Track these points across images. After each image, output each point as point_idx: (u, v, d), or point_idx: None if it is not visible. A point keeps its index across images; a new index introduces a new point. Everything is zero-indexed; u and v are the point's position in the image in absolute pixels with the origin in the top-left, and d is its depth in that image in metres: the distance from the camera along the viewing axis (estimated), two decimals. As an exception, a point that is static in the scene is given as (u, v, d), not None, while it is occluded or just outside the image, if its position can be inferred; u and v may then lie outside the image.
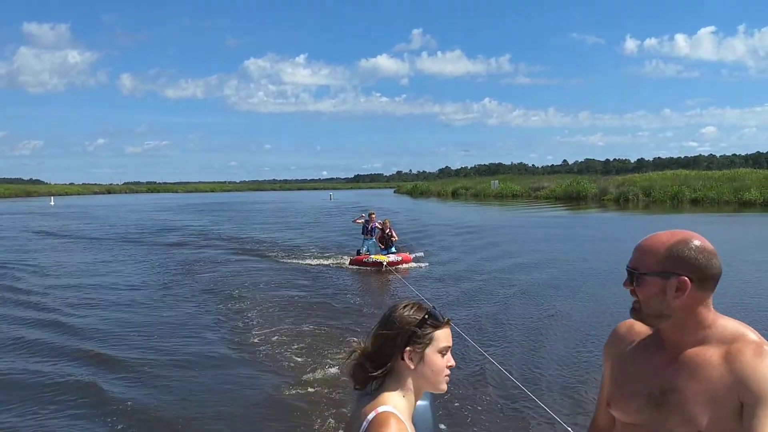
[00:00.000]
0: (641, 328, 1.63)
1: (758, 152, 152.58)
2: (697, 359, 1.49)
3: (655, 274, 1.50)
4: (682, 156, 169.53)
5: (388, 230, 15.81)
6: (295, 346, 7.88)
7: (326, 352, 7.57)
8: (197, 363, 7.31)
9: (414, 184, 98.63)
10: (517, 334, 8.47)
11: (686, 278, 1.48)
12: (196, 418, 5.66)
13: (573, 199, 51.15)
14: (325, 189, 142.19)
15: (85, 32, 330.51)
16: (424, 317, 1.61)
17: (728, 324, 1.52)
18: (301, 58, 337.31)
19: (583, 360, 7.24)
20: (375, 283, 13.14)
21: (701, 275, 1.48)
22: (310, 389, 6.34)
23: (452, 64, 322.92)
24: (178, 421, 5.59)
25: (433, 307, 1.66)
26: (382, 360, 1.58)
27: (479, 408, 5.80)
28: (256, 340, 8.27)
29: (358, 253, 15.71)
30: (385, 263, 14.54)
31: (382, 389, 1.58)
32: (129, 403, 6.03)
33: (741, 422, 1.40)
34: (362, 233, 16.17)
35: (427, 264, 15.20)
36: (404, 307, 1.64)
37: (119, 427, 5.52)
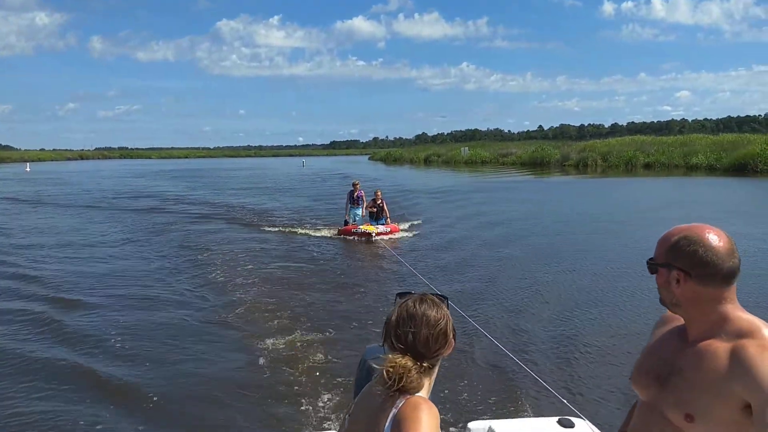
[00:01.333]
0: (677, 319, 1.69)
1: (729, 116, 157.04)
2: (706, 349, 1.53)
3: (661, 265, 1.60)
4: (656, 120, 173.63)
5: (380, 201, 15.71)
6: (281, 320, 7.73)
7: (317, 326, 7.45)
8: (176, 337, 7.19)
9: (387, 152, 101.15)
10: (503, 301, 8.67)
11: (682, 272, 1.56)
12: (174, 393, 5.57)
13: (537, 165, 53.87)
14: (300, 156, 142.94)
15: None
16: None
17: (744, 319, 1.54)
18: (274, 20, 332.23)
19: (565, 322, 7.60)
20: (364, 254, 13.08)
21: (700, 271, 1.54)
22: (293, 367, 6.15)
23: (430, 26, 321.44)
24: (157, 396, 5.51)
25: (443, 296, 1.70)
26: (434, 359, 1.60)
27: (471, 375, 5.89)
28: (240, 310, 8.20)
29: (346, 223, 15.60)
30: (374, 234, 14.57)
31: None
32: (109, 379, 5.93)
33: (732, 413, 1.45)
34: (349, 202, 15.98)
35: (416, 233, 15.36)
36: (430, 302, 1.64)
37: (101, 405, 5.38)
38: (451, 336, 1.64)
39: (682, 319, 1.66)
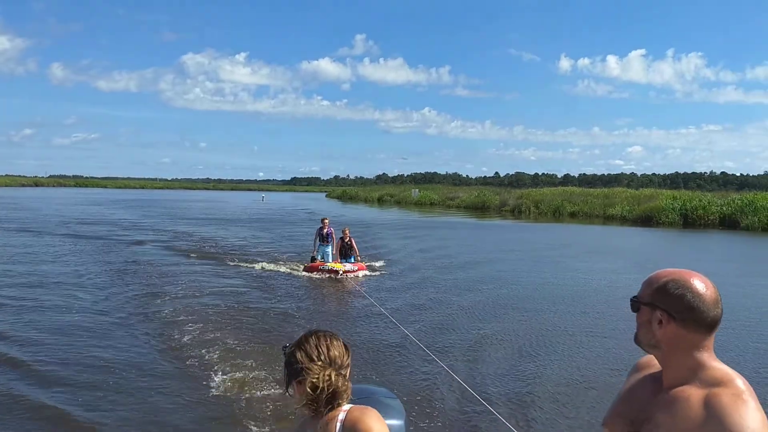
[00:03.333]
0: (657, 362, 1.70)
1: (676, 172, 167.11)
2: (679, 396, 1.55)
3: (646, 304, 1.63)
4: (606, 173, 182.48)
5: (348, 239, 15.61)
6: (237, 358, 7.69)
7: (268, 363, 7.44)
8: (122, 370, 7.12)
9: (343, 190, 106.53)
10: (462, 338, 9.10)
11: (666, 313, 1.58)
12: (114, 427, 5.57)
13: (479, 209, 58.65)
14: (259, 190, 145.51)
15: (14, 19, 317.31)
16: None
17: (719, 369, 1.56)
18: (241, 56, 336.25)
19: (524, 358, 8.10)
20: (331, 292, 13.20)
21: (685, 315, 1.56)
22: (244, 403, 6.20)
23: (394, 71, 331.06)
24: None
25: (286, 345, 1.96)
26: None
27: (432, 413, 6.04)
28: (192, 347, 8.09)
29: (313, 260, 15.45)
30: (341, 271, 14.58)
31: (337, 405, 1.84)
32: (52, 411, 5.92)
33: None
34: (317, 239, 15.91)
35: (383, 273, 15.52)
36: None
37: None
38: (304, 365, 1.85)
39: (657, 367, 1.70)
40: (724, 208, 37.23)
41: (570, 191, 56.47)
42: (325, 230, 15.91)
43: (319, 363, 1.82)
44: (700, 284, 1.59)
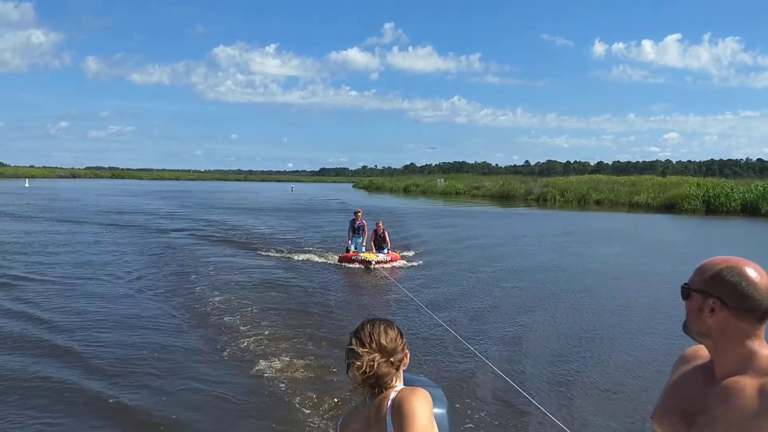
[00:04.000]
0: (704, 353, 1.69)
1: (711, 159, 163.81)
2: (733, 386, 1.53)
3: (698, 292, 1.60)
4: (641, 161, 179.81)
5: (381, 231, 15.87)
6: (280, 345, 7.90)
7: (311, 351, 7.65)
8: (173, 359, 7.28)
9: (370, 180, 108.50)
10: (498, 327, 9.13)
11: (719, 301, 1.56)
12: (173, 415, 5.67)
13: (504, 198, 59.47)
14: (289, 181, 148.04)
15: (50, 13, 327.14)
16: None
17: None
18: (271, 48, 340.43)
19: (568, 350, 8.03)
20: (364, 283, 13.41)
21: (738, 303, 1.54)
22: (292, 388, 6.36)
23: (423, 60, 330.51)
24: (157, 418, 5.61)
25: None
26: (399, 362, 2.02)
27: (473, 404, 6.07)
28: (240, 340, 8.14)
29: (347, 250, 15.76)
30: (373, 261, 14.78)
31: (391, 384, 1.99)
32: (110, 400, 5.99)
33: None
34: (351, 231, 16.20)
35: (416, 263, 15.69)
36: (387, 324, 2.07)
37: (98, 425, 5.47)
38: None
39: (704, 358, 1.69)
40: (747, 195, 37.48)
41: (596, 179, 56.84)
42: (358, 222, 16.17)
43: (367, 349, 1.95)
44: (754, 272, 1.57)
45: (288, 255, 16.49)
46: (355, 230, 16.15)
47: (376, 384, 1.96)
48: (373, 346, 1.98)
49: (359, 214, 16.49)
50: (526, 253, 18.28)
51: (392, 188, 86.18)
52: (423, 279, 13.55)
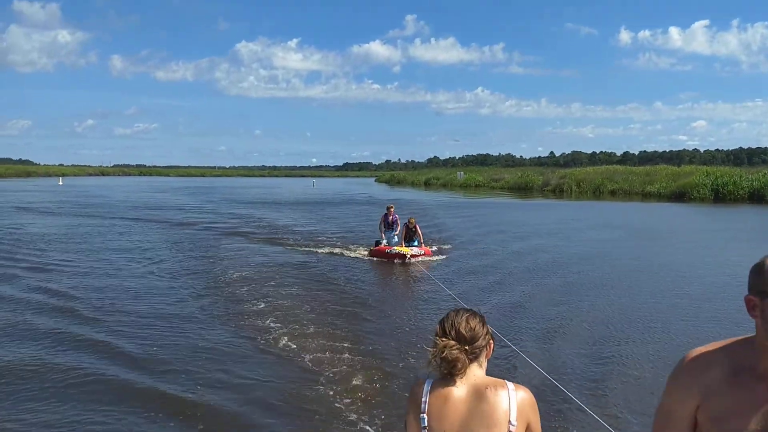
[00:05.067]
0: (721, 357, 1.57)
1: (740, 147, 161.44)
2: None
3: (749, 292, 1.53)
4: (668, 150, 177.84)
5: (413, 226, 16.13)
6: (319, 341, 7.98)
7: (350, 348, 7.70)
8: (216, 354, 7.44)
9: (391, 174, 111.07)
10: (535, 322, 9.07)
11: (751, 297, 1.50)
12: (216, 409, 5.77)
13: (522, 189, 61.07)
14: (312, 176, 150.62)
15: (75, 12, 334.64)
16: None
17: None
18: (293, 43, 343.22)
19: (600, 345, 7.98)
20: (402, 277, 13.64)
21: None
22: (336, 387, 6.35)
23: (445, 51, 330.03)
24: (204, 410, 5.72)
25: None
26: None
27: None
28: (277, 336, 8.26)
29: (378, 243, 15.94)
30: (408, 255, 14.91)
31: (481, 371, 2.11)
32: (155, 394, 6.13)
33: None
34: (383, 225, 16.40)
35: (448, 256, 16.00)
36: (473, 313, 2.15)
37: (151, 415, 5.61)
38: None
39: (725, 362, 1.56)
40: (755, 183, 38.48)
41: (612, 170, 57.97)
42: (391, 217, 16.36)
43: (444, 337, 2.06)
44: None
45: (316, 249, 16.96)
46: (388, 225, 16.30)
47: (448, 369, 2.05)
48: (452, 333, 2.08)
49: (392, 209, 16.62)
50: (550, 244, 18.81)
51: (413, 182, 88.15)
52: (454, 271, 13.67)
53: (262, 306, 10.08)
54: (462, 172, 79.84)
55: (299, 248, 17.27)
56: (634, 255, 16.58)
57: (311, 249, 17.00)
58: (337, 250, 16.68)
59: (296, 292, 11.18)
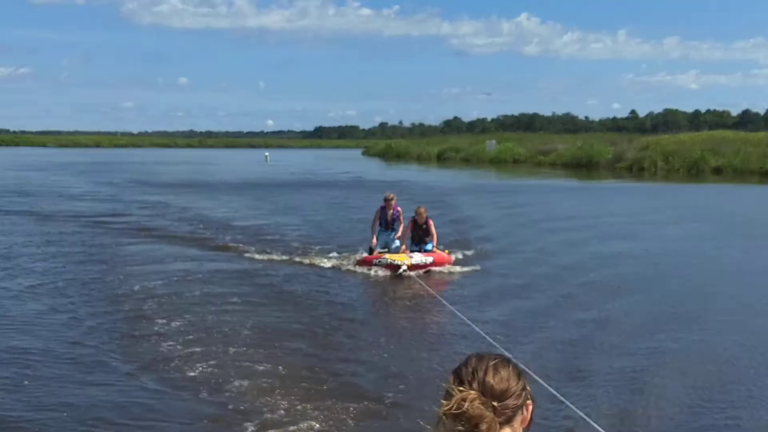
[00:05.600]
0: None
1: None
2: None
3: None
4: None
5: (423, 221, 16.50)
6: (254, 374, 8.98)
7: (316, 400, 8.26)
8: (108, 403, 8.24)
9: (387, 144, 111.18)
10: (605, 369, 9.55)
11: None
12: None
13: (583, 166, 62.86)
14: (267, 147, 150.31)
15: None
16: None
17: None
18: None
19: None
20: (394, 296, 14.30)
21: None
22: None
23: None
24: None
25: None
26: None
27: None
28: (194, 366, 9.26)
29: (371, 251, 16.43)
30: (404, 265, 15.42)
31: None
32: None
33: None
34: (378, 224, 16.97)
35: (476, 267, 16.43)
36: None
37: None
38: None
39: None
40: None
41: (719, 137, 59.54)
42: (391, 212, 16.84)
43: (463, 387, 2.21)
44: None
45: (265, 253, 17.78)
46: (387, 223, 16.88)
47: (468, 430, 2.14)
48: (474, 385, 2.21)
49: (392, 200, 16.92)
50: (621, 250, 19.64)
51: (420, 155, 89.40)
52: (480, 292, 14.11)
53: (178, 325, 11.13)
54: (494, 141, 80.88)
55: (241, 252, 18.18)
56: (757, 268, 17.31)
57: (258, 254, 17.81)
58: (298, 259, 17.31)
59: (231, 310, 12.14)
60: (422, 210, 16.55)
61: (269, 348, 10.21)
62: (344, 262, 16.65)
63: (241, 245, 19.41)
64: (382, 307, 13.96)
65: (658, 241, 21.35)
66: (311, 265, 16.72)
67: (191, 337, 10.63)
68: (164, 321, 11.44)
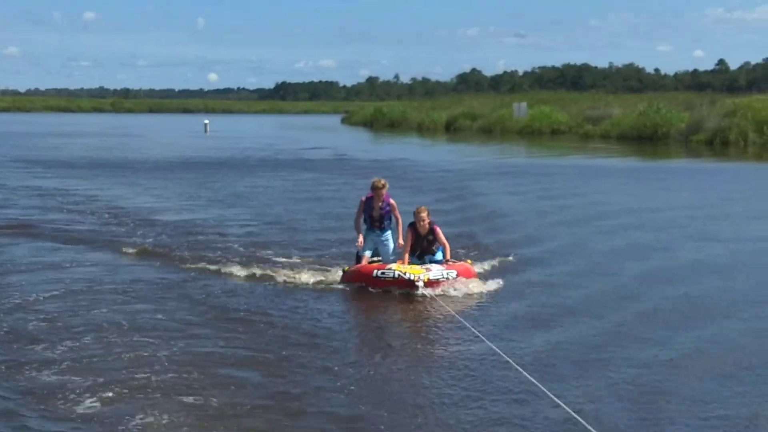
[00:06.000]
0: None
1: None
2: None
3: None
4: None
5: (426, 227, 16.44)
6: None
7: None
8: None
9: (376, 108, 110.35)
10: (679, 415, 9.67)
11: None
12: None
13: (645, 139, 63.48)
14: (207, 112, 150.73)
15: None
16: None
17: None
18: None
19: None
20: (396, 324, 14.41)
21: None
22: None
23: None
24: None
25: None
26: None
27: None
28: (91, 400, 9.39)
29: (358, 259, 16.83)
30: (421, 281, 15.32)
31: None
32: None
33: None
34: (364, 220, 17.01)
35: (503, 281, 16.37)
36: None
37: None
38: None
39: None
40: None
41: None
42: (380, 204, 16.83)
43: None
44: None
45: (228, 269, 17.57)
46: (374, 220, 16.90)
47: None
48: None
49: (383, 188, 16.82)
50: (696, 256, 19.77)
51: (422, 124, 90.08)
52: (520, 314, 14.26)
53: (69, 348, 11.43)
54: (524, 104, 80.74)
55: (167, 257, 18.59)
56: None
57: (192, 260, 18.16)
58: (273, 272, 17.08)
59: (149, 329, 12.50)
60: (424, 214, 16.28)
61: (197, 378, 10.24)
62: (317, 274, 16.76)
63: (167, 249, 19.64)
64: (385, 336, 13.52)
65: (743, 245, 21.36)
66: (264, 277, 16.77)
67: (86, 362, 10.77)
68: (52, 343, 11.60)
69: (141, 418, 8.82)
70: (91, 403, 9.32)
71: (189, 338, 12.14)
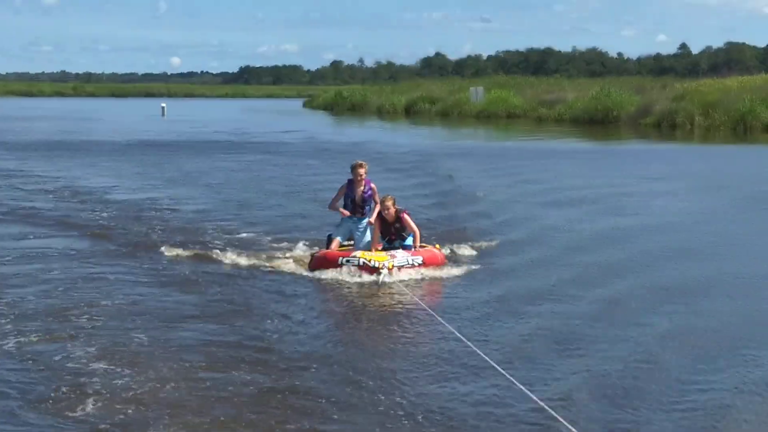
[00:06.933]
0: None
1: None
2: None
3: None
4: None
5: (391, 215, 16.27)
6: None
7: None
8: None
9: (337, 91, 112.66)
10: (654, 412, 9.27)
11: None
12: None
13: (597, 123, 65.53)
14: (170, 96, 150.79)
15: None
16: None
17: None
18: None
19: None
20: (363, 311, 14.05)
21: None
22: None
23: None
24: None
25: None
26: None
27: None
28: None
29: (329, 243, 16.83)
30: (385, 267, 15.37)
31: None
32: None
33: None
34: (348, 205, 16.90)
35: (479, 265, 16.64)
36: None
37: None
38: None
39: None
40: None
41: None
42: (361, 189, 16.81)
43: None
44: None
45: (192, 251, 17.73)
46: (356, 205, 16.88)
47: None
48: None
49: (363, 170, 16.83)
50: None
51: (381, 107, 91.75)
52: (487, 301, 14.07)
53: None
54: (481, 89, 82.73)
55: (160, 249, 17.80)
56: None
57: (184, 252, 17.70)
58: (235, 256, 17.01)
59: (101, 316, 12.31)
60: (389, 203, 16.12)
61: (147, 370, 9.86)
62: (280, 257, 16.95)
63: (114, 227, 20.15)
64: (349, 326, 13.43)
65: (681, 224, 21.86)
66: (242, 266, 16.53)
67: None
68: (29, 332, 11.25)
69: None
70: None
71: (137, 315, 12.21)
